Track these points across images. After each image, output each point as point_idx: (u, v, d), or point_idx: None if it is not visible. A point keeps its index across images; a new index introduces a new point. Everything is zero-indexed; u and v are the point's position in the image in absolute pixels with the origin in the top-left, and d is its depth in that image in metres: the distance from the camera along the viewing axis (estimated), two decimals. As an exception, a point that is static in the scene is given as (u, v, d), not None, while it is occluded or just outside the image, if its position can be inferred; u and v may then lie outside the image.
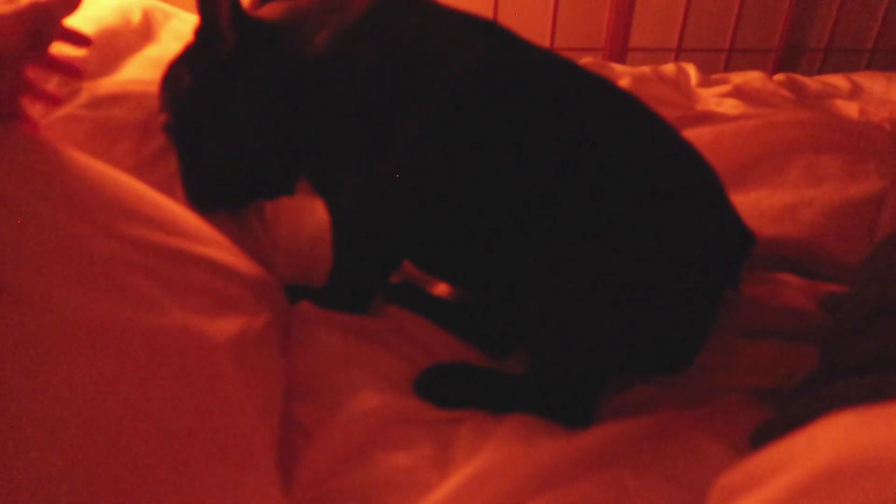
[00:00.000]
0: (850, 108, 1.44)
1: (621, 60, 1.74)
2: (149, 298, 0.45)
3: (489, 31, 0.67)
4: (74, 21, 0.94)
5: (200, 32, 0.69)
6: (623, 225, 0.60)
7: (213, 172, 0.73)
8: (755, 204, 0.94)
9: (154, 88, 0.74)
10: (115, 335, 0.41)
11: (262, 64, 0.67)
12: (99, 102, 0.74)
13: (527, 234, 0.63)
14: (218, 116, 0.70)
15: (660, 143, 0.66)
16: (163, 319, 0.45)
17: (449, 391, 0.65)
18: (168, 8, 1.06)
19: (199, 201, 0.73)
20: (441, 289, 0.82)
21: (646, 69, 1.57)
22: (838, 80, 1.66)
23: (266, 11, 0.71)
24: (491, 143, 0.63)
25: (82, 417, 0.37)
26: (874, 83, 1.64)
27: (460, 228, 0.66)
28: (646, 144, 0.65)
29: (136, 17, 0.96)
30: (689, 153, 0.67)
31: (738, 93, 1.47)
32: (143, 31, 0.96)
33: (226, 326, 0.51)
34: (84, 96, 0.74)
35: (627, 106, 0.67)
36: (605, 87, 0.68)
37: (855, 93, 1.61)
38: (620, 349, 0.63)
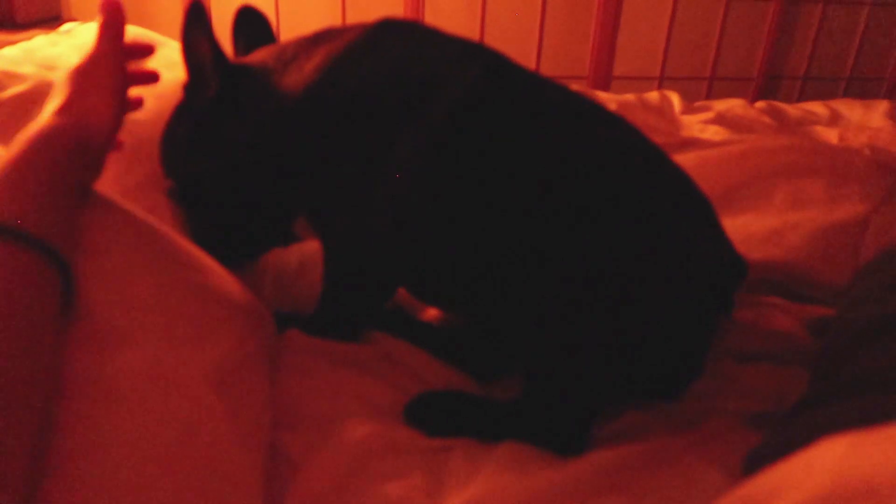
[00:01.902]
0: (830, 135, 1.47)
1: (605, 88, 1.76)
2: (124, 328, 0.44)
3: (482, 54, 0.68)
4: (64, 50, 0.93)
5: (187, 85, 0.70)
6: (618, 251, 0.60)
7: (221, 226, 0.73)
8: (742, 228, 0.94)
9: (143, 116, 0.73)
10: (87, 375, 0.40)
11: (251, 104, 0.67)
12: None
13: (522, 258, 0.63)
14: (213, 165, 0.70)
15: (654, 169, 0.67)
16: (137, 350, 0.44)
17: (439, 419, 0.64)
18: (158, 37, 1.06)
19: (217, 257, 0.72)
20: (430, 314, 0.82)
21: (630, 97, 1.59)
22: (817, 108, 1.70)
23: (253, 56, 0.72)
24: (487, 166, 0.63)
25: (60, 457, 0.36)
26: (852, 110, 1.68)
27: (457, 254, 0.66)
28: (641, 170, 0.65)
29: (125, 46, 0.96)
30: (682, 179, 0.68)
31: (721, 119, 1.50)
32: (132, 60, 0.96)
33: (208, 353, 0.50)
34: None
35: (622, 131, 0.68)
36: (599, 111, 0.69)
37: (834, 119, 1.64)
38: (614, 377, 0.63)
